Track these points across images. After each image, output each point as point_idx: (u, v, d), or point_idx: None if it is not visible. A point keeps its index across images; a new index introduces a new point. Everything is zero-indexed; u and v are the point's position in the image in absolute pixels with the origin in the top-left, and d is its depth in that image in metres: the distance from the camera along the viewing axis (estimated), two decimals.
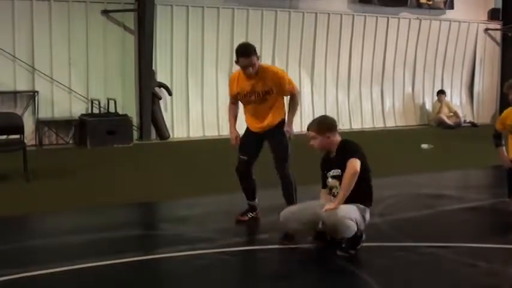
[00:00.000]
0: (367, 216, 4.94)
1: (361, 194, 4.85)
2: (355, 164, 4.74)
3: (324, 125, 5.04)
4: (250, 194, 5.88)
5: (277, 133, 5.61)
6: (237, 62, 5.54)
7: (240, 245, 5.15)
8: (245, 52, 5.46)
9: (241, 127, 5.80)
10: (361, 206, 4.88)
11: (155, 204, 7.03)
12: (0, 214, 6.06)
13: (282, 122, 5.65)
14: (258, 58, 5.50)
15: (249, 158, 5.72)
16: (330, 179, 5.00)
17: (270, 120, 5.62)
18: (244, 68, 5.50)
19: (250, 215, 5.91)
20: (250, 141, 5.71)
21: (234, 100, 5.81)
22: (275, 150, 5.64)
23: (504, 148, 6.22)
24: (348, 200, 4.76)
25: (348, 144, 5.01)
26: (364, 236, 4.96)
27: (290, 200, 5.58)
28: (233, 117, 5.86)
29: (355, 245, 4.91)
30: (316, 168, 5.18)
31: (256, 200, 5.91)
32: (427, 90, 15.87)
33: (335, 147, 5.01)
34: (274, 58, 13.36)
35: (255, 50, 5.49)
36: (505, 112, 6.30)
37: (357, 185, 4.76)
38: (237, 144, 5.74)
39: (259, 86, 5.54)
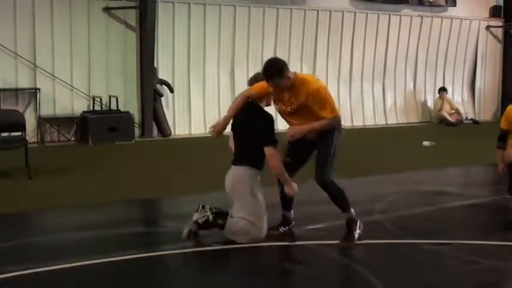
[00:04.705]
0: None
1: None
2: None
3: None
4: (287, 203, 5.44)
5: (322, 138, 5.09)
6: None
7: (241, 243, 5.14)
8: (266, 75, 4.97)
9: None
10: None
11: (157, 201, 7.03)
12: (2, 211, 6.07)
13: (332, 129, 5.10)
14: (283, 76, 4.92)
15: (293, 162, 5.24)
16: None
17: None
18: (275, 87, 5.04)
19: (282, 229, 5.41)
20: (299, 145, 5.18)
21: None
22: (317, 156, 5.14)
23: (503, 152, 6.29)
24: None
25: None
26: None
27: (341, 206, 5.19)
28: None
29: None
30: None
31: (292, 212, 5.48)
32: (429, 88, 15.86)
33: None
34: (275, 55, 13.33)
35: (278, 68, 4.94)
36: (510, 108, 6.34)
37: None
38: (216, 132, 5.28)
39: (293, 99, 5.05)
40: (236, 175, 5.14)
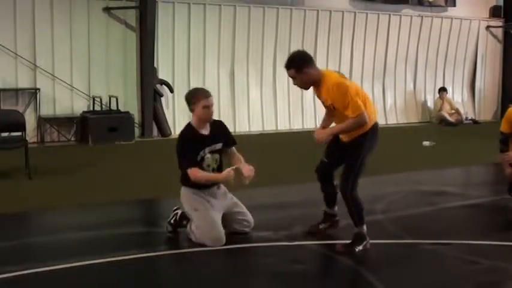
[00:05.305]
0: None
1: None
2: None
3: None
4: (329, 199, 5.35)
5: (352, 147, 4.94)
6: None
7: (241, 242, 5.15)
8: (286, 63, 5.01)
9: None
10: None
11: (157, 201, 7.03)
12: (2, 211, 6.06)
13: (361, 136, 4.88)
14: (301, 71, 4.93)
15: (330, 161, 5.18)
16: (208, 155, 5.19)
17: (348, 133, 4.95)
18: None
19: (323, 226, 5.38)
20: (336, 146, 5.09)
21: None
22: (344, 166, 5.01)
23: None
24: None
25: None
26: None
27: (354, 220, 4.96)
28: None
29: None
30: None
31: (336, 208, 5.37)
32: (429, 88, 15.86)
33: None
34: (275, 55, 13.35)
35: (297, 62, 4.95)
36: (510, 110, 6.30)
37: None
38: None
39: (322, 98, 4.99)
40: (180, 195, 5.34)
